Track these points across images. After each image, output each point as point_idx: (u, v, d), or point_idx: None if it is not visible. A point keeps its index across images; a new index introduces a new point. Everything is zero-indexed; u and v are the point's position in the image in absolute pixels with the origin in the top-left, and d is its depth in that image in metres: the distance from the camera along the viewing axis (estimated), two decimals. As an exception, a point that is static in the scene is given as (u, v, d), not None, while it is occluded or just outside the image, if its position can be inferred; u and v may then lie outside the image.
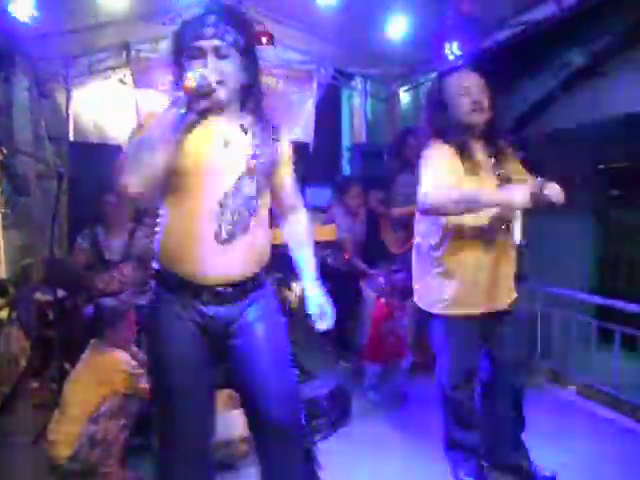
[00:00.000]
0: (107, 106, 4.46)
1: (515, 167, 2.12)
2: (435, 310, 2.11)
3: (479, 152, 2.04)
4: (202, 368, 1.53)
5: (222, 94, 1.43)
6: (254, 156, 1.50)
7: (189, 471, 1.54)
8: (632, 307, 3.01)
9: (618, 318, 3.19)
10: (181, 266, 1.47)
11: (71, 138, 4.33)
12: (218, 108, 1.46)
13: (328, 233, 3.83)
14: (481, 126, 2.04)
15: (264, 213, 1.58)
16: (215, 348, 1.53)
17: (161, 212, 1.54)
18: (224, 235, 1.44)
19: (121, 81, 4.39)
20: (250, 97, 1.55)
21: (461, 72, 2.06)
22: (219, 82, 1.40)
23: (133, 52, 4.35)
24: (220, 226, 1.44)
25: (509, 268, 2.09)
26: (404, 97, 5.97)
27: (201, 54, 1.42)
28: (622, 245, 4.44)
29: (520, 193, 1.79)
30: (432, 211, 1.95)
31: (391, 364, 3.12)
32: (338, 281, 3.73)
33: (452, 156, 1.97)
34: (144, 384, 2.31)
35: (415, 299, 2.25)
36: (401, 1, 3.74)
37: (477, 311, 2.02)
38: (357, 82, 6.15)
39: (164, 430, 1.56)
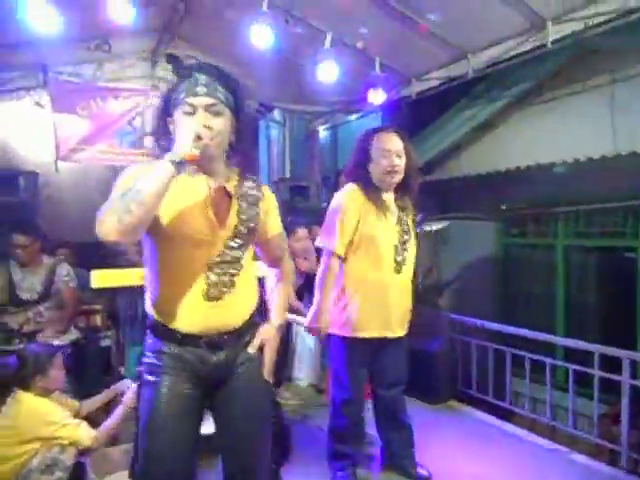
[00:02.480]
0: (20, 130, 4.16)
1: (413, 224, 2.46)
2: (339, 332, 2.39)
3: (391, 202, 2.37)
4: (193, 417, 1.54)
5: (212, 152, 1.44)
6: (241, 221, 1.53)
7: None
8: (536, 335, 3.40)
9: (522, 346, 3.57)
10: (176, 322, 1.49)
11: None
12: (206, 166, 1.48)
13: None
14: (395, 184, 2.36)
15: (250, 264, 1.61)
16: (207, 394, 1.56)
17: (149, 268, 1.53)
18: (212, 295, 1.49)
19: (37, 104, 4.14)
20: (236, 156, 1.57)
21: (389, 134, 2.36)
22: (210, 139, 1.41)
23: (51, 74, 4.13)
24: (208, 286, 1.48)
25: (404, 303, 2.40)
26: (323, 134, 6.28)
27: (194, 110, 1.43)
28: (521, 279, 4.99)
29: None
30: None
31: None
32: (268, 316, 3.76)
33: (359, 203, 2.30)
34: (80, 433, 2.18)
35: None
36: (329, 49, 3.96)
37: (370, 335, 2.34)
38: (276, 115, 6.33)
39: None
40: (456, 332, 3.90)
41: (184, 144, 1.35)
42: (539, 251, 4.83)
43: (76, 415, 2.36)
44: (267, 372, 1.64)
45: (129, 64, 4.53)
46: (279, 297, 1.77)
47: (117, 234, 1.29)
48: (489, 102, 4.48)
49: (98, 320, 3.76)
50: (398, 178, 2.33)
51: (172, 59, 3.31)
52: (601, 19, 3.08)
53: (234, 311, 1.55)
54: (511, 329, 3.58)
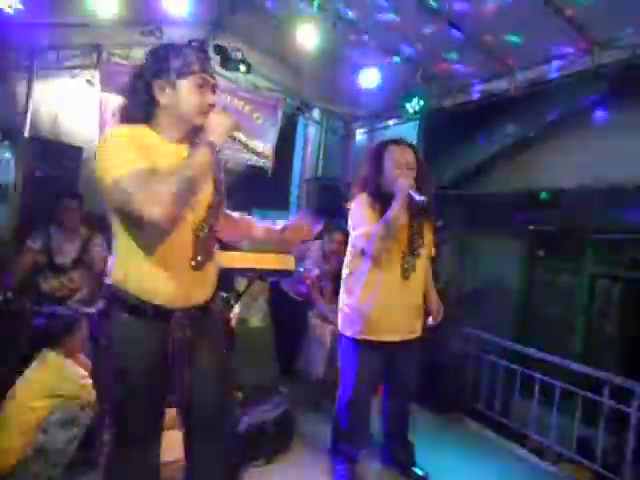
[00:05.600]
0: (69, 105, 4.34)
1: (428, 234, 2.51)
2: (349, 334, 2.47)
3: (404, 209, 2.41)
4: (157, 386, 1.57)
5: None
6: (217, 189, 1.62)
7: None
8: (549, 357, 3.39)
9: (535, 367, 3.56)
10: (151, 290, 1.50)
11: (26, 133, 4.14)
12: (192, 136, 1.56)
13: (283, 262, 3.97)
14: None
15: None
16: (171, 365, 1.56)
17: (121, 236, 1.51)
18: (197, 262, 1.55)
19: (89, 82, 4.31)
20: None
21: (400, 146, 2.44)
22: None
23: (104, 54, 4.31)
24: (195, 254, 1.54)
25: (412, 308, 2.49)
26: (359, 137, 6.32)
27: (204, 85, 1.53)
28: (542, 301, 4.95)
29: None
30: (371, 248, 2.33)
31: None
32: (289, 308, 3.87)
33: (370, 209, 2.39)
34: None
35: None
36: (375, 55, 4.03)
37: (377, 338, 2.41)
38: (316, 114, 6.40)
39: (117, 443, 1.58)
40: (470, 345, 3.91)
41: (226, 132, 1.49)
42: (564, 276, 4.78)
43: (96, 379, 2.49)
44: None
45: (179, 52, 4.66)
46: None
47: (172, 218, 1.36)
48: (528, 121, 4.45)
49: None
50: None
51: (219, 50, 3.47)
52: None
53: (209, 283, 1.63)
54: (524, 349, 3.57)
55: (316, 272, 3.69)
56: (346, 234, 3.87)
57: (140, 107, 1.53)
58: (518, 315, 4.86)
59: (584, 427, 3.15)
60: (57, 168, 3.87)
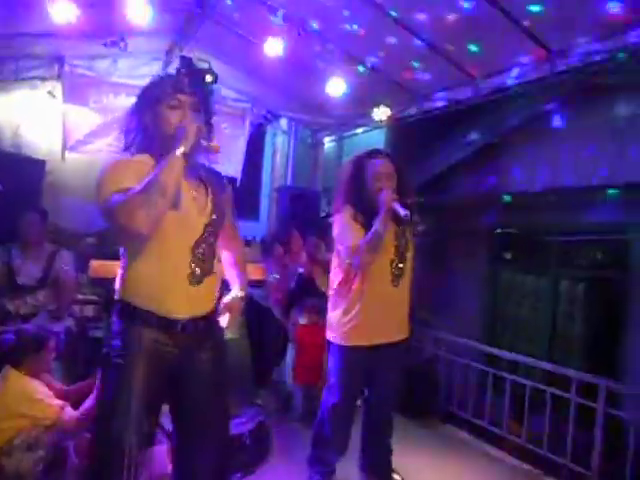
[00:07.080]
0: (31, 117, 4.23)
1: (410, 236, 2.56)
2: (339, 342, 2.49)
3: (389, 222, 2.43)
4: (157, 398, 1.61)
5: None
6: (215, 207, 1.67)
7: None
8: (518, 358, 3.47)
9: (505, 368, 3.63)
10: (154, 303, 1.57)
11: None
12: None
13: (254, 272, 3.97)
14: None
15: (219, 252, 1.74)
16: (171, 373, 1.62)
17: (129, 253, 1.60)
18: (195, 277, 1.60)
19: (50, 93, 4.22)
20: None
21: (381, 159, 2.49)
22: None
23: (67, 66, 4.22)
24: (192, 269, 1.59)
25: (400, 313, 2.52)
26: (328, 145, 6.37)
27: (180, 105, 1.59)
28: (508, 303, 5.06)
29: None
30: (359, 261, 2.33)
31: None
32: (263, 316, 3.85)
33: (354, 222, 2.41)
34: (63, 415, 2.23)
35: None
36: (340, 65, 4.08)
37: (365, 344, 2.43)
38: (284, 124, 6.42)
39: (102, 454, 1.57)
40: (440, 349, 3.96)
41: (190, 137, 1.50)
42: (529, 277, 4.91)
43: (62, 399, 2.41)
44: (230, 330, 1.78)
45: (143, 62, 4.61)
46: (241, 271, 1.90)
47: (147, 226, 1.44)
48: (491, 127, 4.58)
49: (91, 310, 3.80)
50: None
51: (185, 61, 3.48)
52: (605, 56, 3.16)
53: (209, 297, 1.68)
54: (495, 351, 3.65)
55: (274, 281, 3.72)
56: (309, 244, 3.89)
57: (139, 139, 1.63)
58: (486, 317, 4.96)
59: (555, 424, 3.22)
60: (19, 182, 3.74)
